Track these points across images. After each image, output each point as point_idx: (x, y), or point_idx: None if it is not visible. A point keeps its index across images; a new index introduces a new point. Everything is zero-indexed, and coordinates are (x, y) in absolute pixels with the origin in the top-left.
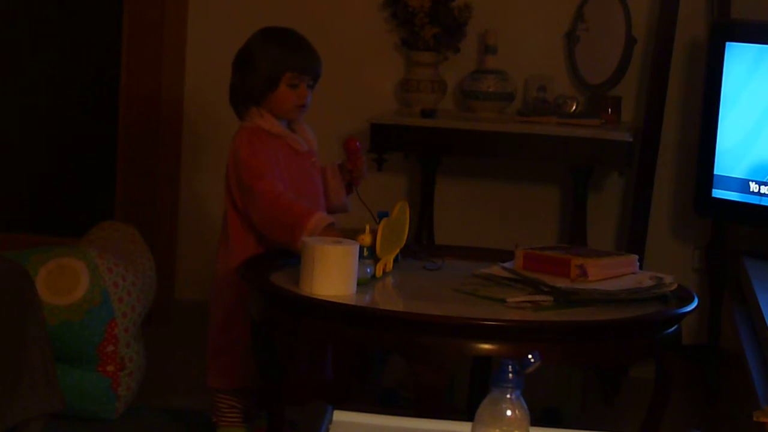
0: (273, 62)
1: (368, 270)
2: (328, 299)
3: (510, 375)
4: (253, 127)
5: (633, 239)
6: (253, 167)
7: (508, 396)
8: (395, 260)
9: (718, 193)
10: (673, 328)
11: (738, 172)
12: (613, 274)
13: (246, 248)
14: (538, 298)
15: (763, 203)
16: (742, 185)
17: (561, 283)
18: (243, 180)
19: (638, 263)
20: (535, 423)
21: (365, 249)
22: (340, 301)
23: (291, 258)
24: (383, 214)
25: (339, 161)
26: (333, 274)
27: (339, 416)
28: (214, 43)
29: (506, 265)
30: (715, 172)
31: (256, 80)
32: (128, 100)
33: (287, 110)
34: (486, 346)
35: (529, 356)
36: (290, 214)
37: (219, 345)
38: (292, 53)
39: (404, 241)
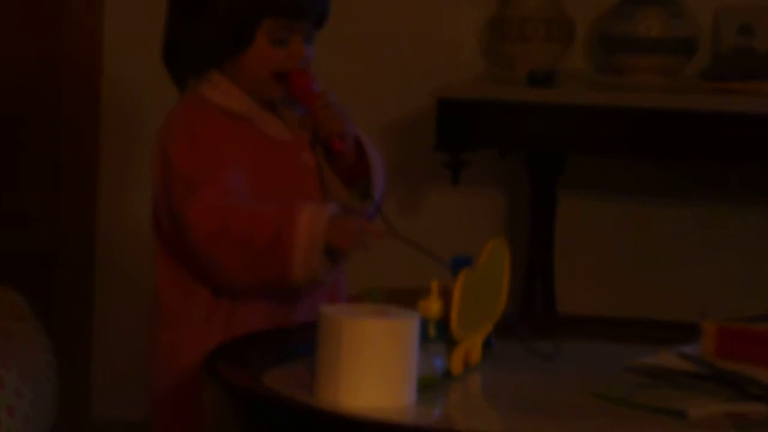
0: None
1: (438, 363)
2: (366, 416)
3: None
4: (197, 101)
5: None
6: (187, 178)
7: None
8: (486, 345)
9: None
10: None
11: None
12: None
13: (189, 313)
14: (742, 408)
15: None
16: None
17: None
18: (173, 199)
19: None
20: None
21: (431, 325)
22: (388, 420)
23: (295, 338)
24: (462, 261)
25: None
26: (374, 372)
27: None
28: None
29: (686, 349)
30: None
31: (214, 29)
32: None
33: (263, 81)
34: None
35: None
36: (259, 236)
37: None
38: None
39: (501, 310)
